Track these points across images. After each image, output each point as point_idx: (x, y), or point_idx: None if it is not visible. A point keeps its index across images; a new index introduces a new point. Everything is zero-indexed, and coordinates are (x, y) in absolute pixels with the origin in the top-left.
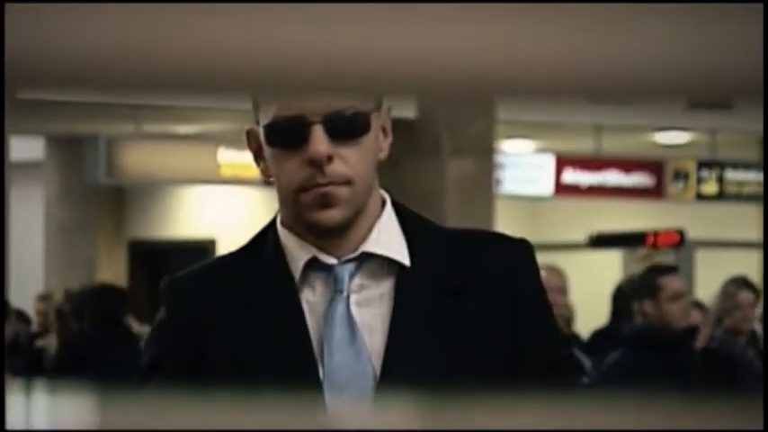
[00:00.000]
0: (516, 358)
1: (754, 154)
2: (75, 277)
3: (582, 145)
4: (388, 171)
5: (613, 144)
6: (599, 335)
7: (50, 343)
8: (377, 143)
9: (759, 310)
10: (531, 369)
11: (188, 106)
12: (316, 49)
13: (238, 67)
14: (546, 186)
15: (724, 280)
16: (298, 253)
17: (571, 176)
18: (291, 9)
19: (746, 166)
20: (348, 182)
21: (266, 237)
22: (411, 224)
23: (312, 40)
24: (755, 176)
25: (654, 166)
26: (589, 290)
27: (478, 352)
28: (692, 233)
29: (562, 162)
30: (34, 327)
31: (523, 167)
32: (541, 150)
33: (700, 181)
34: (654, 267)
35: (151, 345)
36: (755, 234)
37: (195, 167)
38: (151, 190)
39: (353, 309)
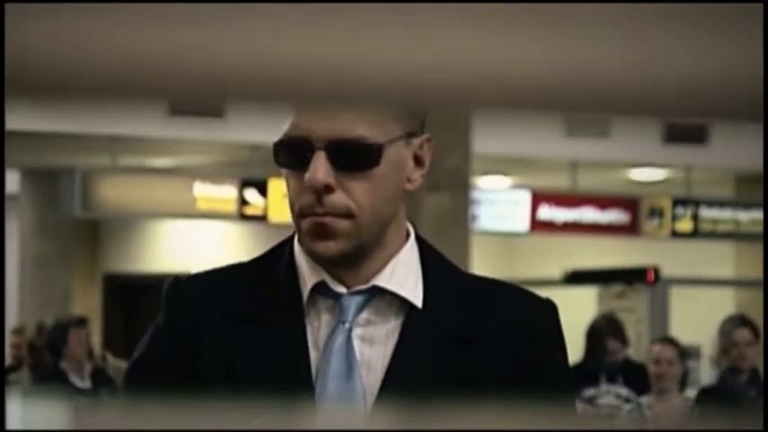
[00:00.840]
0: None
1: (730, 191)
2: (50, 311)
3: (557, 181)
4: None
5: (589, 180)
6: (574, 370)
7: (23, 377)
8: (398, 174)
9: (758, 348)
10: None
11: (164, 138)
12: (304, 57)
13: (245, 73)
14: (521, 222)
15: (723, 318)
16: (308, 274)
17: (547, 213)
18: (291, 14)
19: (721, 203)
20: (348, 214)
21: (283, 251)
22: (431, 263)
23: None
24: (730, 214)
25: (629, 203)
26: (565, 326)
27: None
28: (667, 270)
29: (538, 198)
30: (8, 360)
31: (499, 204)
32: (517, 186)
33: (675, 218)
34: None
35: (145, 343)
36: (730, 272)
37: (171, 201)
38: (127, 223)
39: (356, 342)
